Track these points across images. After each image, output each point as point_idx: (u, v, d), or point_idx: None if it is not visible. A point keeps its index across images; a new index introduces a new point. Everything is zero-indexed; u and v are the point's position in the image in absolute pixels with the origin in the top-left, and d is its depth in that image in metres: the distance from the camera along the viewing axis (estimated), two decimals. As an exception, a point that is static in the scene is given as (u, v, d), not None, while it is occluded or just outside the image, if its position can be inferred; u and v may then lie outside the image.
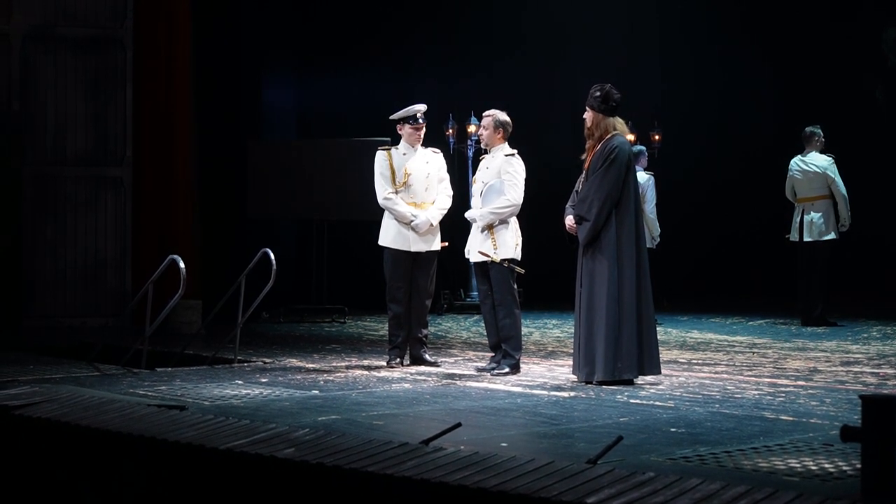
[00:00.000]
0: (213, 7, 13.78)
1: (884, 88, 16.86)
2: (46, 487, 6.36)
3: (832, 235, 12.44)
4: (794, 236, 12.58)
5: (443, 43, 15.92)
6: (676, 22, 17.06)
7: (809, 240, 12.45)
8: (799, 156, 12.57)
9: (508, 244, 8.67)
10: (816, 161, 12.44)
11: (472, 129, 14.54)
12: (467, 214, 8.92)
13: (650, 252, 11.70)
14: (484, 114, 8.98)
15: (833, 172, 12.36)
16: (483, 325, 9.30)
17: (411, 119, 9.19)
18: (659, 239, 12.83)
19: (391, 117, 9.30)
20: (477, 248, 8.73)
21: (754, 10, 17.06)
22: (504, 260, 8.63)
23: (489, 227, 8.68)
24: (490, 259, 8.63)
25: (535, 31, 16.43)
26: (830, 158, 12.43)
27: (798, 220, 12.52)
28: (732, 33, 17.15)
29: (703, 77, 17.08)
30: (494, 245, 8.65)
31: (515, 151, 8.81)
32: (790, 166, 12.61)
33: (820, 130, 12.50)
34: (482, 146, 9.08)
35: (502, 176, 8.70)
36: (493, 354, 8.81)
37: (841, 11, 17.00)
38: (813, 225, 12.41)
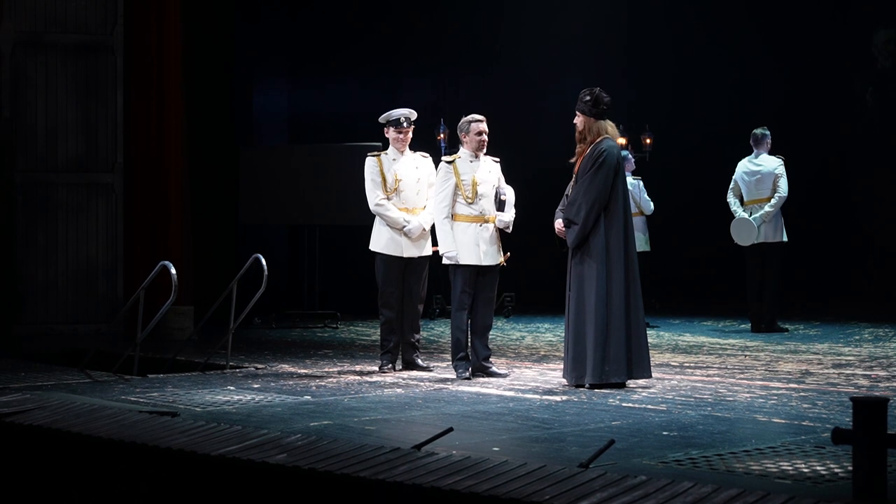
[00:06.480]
0: (204, 12, 13.78)
1: (874, 90, 16.89)
2: (38, 495, 6.34)
3: (783, 238, 12.25)
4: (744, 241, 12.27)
5: (434, 48, 15.92)
6: (667, 26, 17.08)
7: (759, 241, 12.22)
8: (747, 158, 12.36)
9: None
10: (766, 162, 12.22)
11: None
12: (499, 221, 8.76)
13: (643, 255, 11.77)
14: None
15: (781, 172, 12.11)
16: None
17: (395, 123, 9.20)
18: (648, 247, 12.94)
19: (380, 119, 9.31)
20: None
21: (745, 12, 17.08)
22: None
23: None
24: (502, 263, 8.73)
25: (527, 35, 16.44)
26: (780, 160, 12.19)
27: None
28: (724, 36, 17.18)
29: (695, 80, 17.10)
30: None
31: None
32: (737, 169, 12.38)
33: (769, 132, 12.29)
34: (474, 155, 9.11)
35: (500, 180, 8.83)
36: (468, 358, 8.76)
37: (832, 13, 17.02)
38: (762, 227, 12.19)
